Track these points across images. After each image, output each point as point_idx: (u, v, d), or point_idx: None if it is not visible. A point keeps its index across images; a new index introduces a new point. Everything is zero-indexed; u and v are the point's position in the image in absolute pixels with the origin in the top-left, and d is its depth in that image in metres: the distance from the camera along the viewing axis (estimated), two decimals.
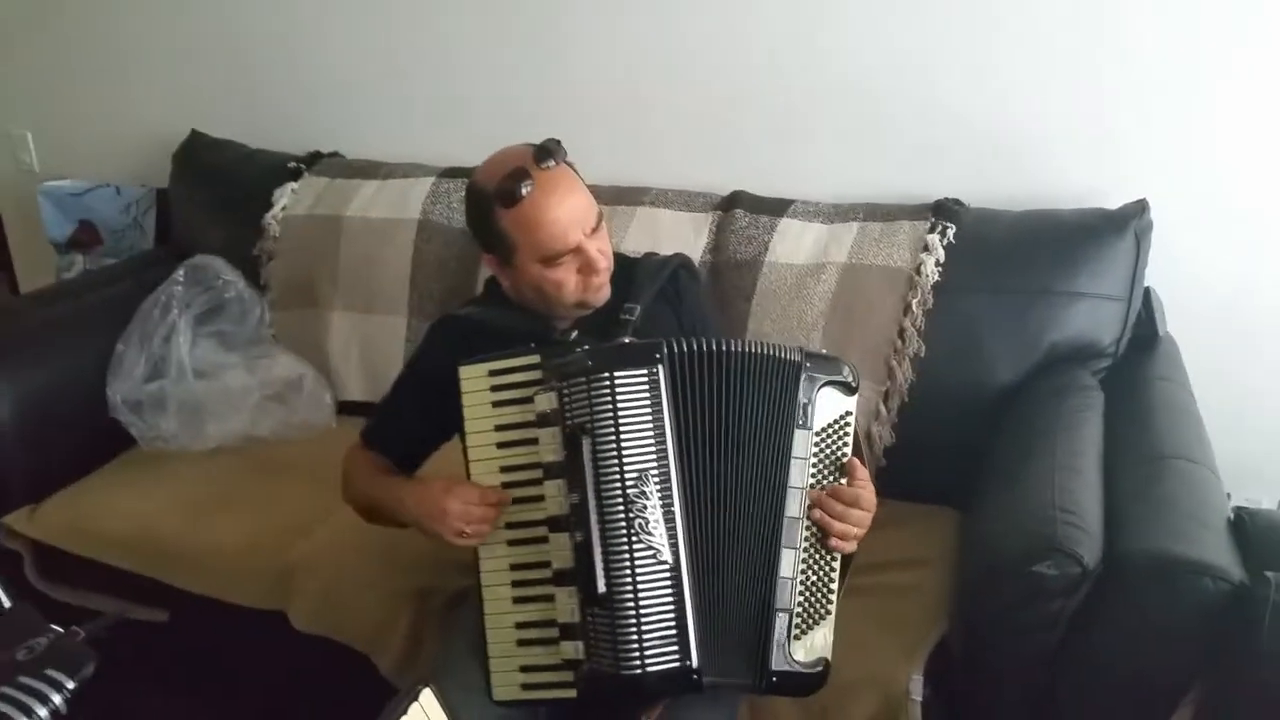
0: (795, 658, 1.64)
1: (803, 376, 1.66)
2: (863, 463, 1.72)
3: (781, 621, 1.63)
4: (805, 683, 1.66)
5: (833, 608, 1.68)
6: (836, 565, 1.68)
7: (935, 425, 2.31)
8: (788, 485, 1.64)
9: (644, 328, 1.84)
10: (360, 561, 2.16)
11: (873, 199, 2.56)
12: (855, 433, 1.72)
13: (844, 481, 1.69)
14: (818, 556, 1.66)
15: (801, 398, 1.65)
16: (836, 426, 1.69)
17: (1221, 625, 1.61)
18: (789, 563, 1.63)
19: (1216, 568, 1.61)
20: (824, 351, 1.76)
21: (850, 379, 1.70)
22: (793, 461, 1.64)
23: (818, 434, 1.67)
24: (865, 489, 1.69)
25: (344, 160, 3.05)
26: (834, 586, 1.69)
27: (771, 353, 1.66)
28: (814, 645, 1.66)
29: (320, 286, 2.84)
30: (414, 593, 2.12)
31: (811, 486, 1.66)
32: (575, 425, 1.60)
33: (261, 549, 2.27)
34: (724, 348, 1.64)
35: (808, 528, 1.65)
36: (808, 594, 1.65)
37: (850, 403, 1.71)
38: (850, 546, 1.68)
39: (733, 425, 1.64)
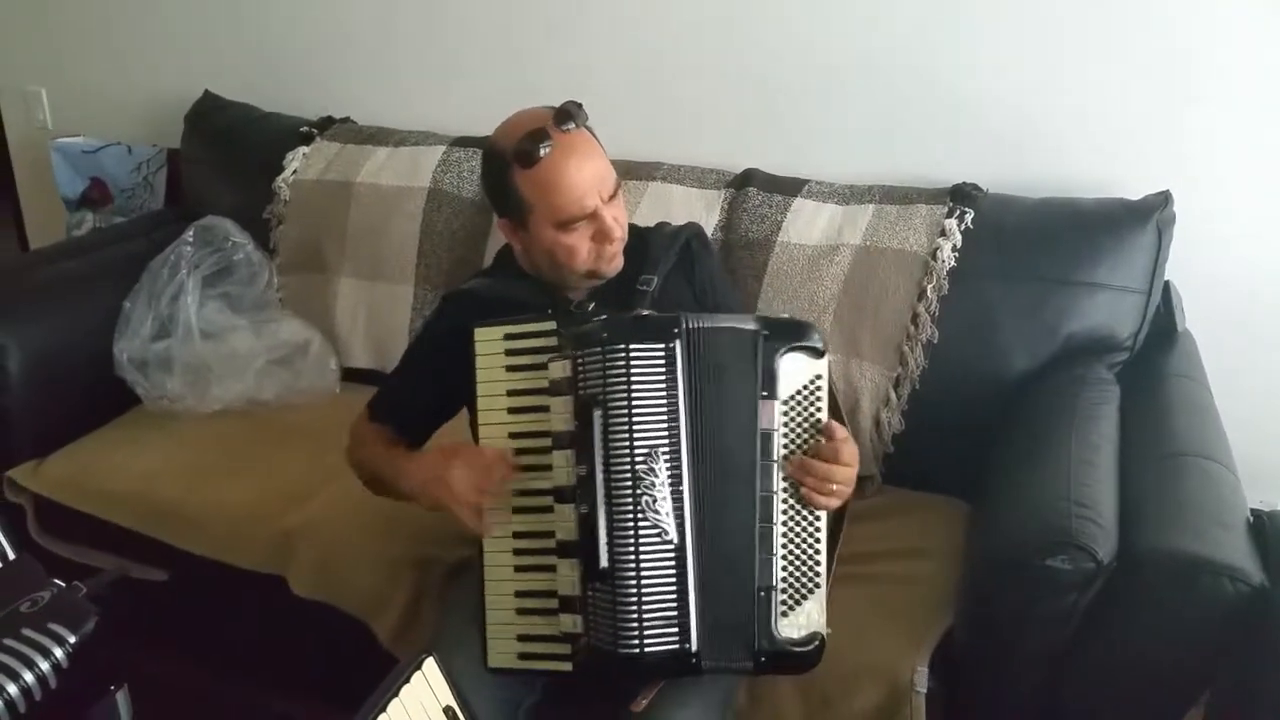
0: (785, 635, 1.61)
1: (760, 345, 1.61)
2: (842, 423, 1.67)
3: (765, 600, 1.60)
4: (799, 660, 1.62)
5: (821, 580, 1.64)
6: (821, 537, 1.64)
7: (947, 414, 2.28)
8: (758, 460, 1.61)
9: (660, 300, 1.82)
10: (360, 529, 2.15)
11: (889, 181, 2.52)
12: (832, 395, 1.68)
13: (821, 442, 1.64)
14: (799, 529, 1.63)
15: (762, 367, 1.61)
16: (807, 392, 1.64)
17: (1239, 628, 1.58)
18: (768, 539, 1.60)
19: (1237, 569, 1.58)
20: (785, 316, 1.71)
21: (816, 342, 1.64)
22: (759, 434, 1.61)
23: (785, 402, 1.63)
24: (845, 445, 1.64)
25: (356, 126, 3.02)
26: (820, 558, 1.64)
27: (728, 324, 1.63)
28: (805, 620, 1.62)
29: (329, 252, 2.83)
30: (414, 562, 2.10)
31: (787, 456, 1.62)
32: (588, 396, 1.58)
33: (262, 513, 2.27)
34: (703, 324, 1.61)
35: (784, 500, 1.62)
36: (792, 568, 1.62)
37: (820, 365, 1.65)
38: (834, 503, 1.64)
39: (724, 402, 1.61)
